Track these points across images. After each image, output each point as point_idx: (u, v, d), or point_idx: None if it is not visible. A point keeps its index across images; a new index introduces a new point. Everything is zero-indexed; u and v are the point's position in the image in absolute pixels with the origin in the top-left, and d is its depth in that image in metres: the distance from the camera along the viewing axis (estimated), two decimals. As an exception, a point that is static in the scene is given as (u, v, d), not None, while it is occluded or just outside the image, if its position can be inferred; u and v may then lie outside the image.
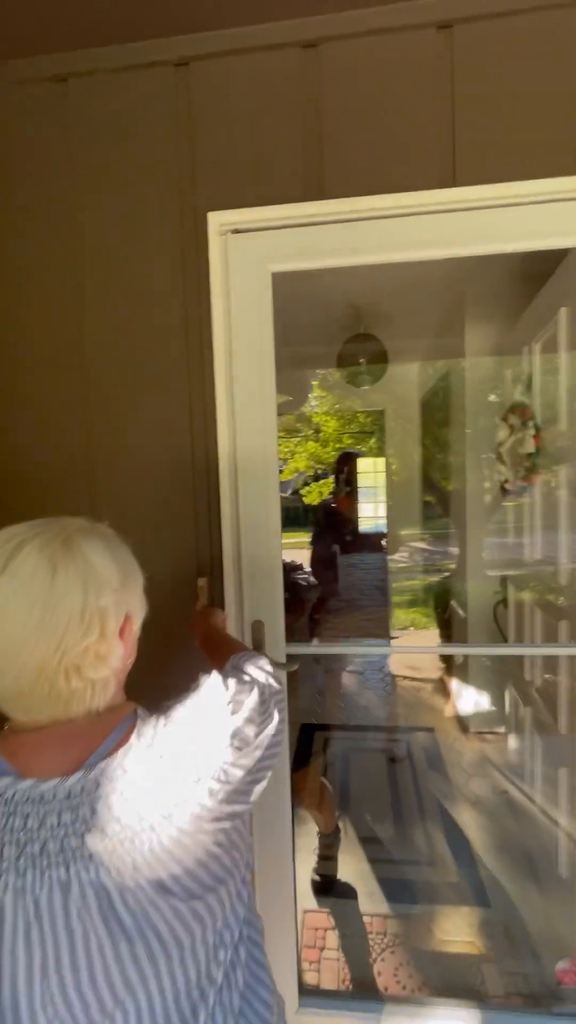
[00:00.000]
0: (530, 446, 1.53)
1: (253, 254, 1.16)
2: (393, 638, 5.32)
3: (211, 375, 1.19)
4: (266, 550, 1.19)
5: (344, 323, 2.81)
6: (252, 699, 0.65)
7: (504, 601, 2.19)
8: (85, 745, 0.57)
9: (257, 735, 0.63)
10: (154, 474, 1.23)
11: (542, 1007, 1.43)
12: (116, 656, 0.59)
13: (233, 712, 0.62)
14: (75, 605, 0.54)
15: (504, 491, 1.82)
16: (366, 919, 1.78)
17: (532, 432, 1.53)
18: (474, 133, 1.10)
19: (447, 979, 1.55)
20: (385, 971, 1.59)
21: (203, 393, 1.20)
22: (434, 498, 6.62)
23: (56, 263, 1.23)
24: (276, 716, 0.68)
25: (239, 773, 0.60)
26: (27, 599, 0.53)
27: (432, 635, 5.24)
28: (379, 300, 2.68)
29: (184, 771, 0.56)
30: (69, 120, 1.20)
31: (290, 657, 1.21)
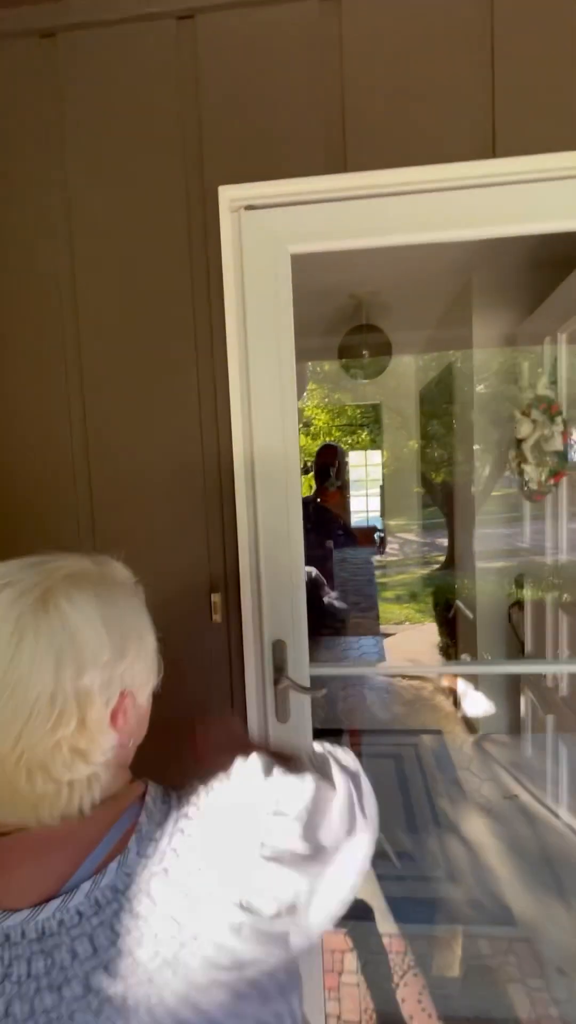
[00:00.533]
0: (558, 443, 1.44)
1: (269, 233, 1.04)
2: (389, 634, 5.26)
3: (223, 369, 1.08)
4: (287, 561, 1.08)
5: (345, 313, 2.69)
6: (332, 804, 0.48)
7: (519, 603, 2.12)
8: (69, 856, 0.44)
9: (322, 855, 0.45)
10: (160, 478, 1.11)
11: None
12: (103, 748, 0.45)
13: (282, 815, 0.46)
14: (43, 687, 0.41)
15: (525, 491, 1.72)
16: (385, 939, 1.70)
17: (560, 428, 1.44)
18: (516, 98, 0.99)
19: (474, 1004, 1.48)
20: (409, 997, 1.51)
21: (214, 389, 1.08)
22: (430, 492, 6.58)
23: (42, 240, 1.09)
24: (360, 832, 0.50)
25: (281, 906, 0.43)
26: None
27: (429, 630, 5.20)
28: (381, 289, 2.57)
29: (197, 895, 0.42)
30: (59, 80, 1.06)
31: (314, 681, 1.10)
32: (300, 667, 1.10)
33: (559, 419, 1.44)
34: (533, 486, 1.59)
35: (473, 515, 2.54)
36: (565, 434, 1.44)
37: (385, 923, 1.74)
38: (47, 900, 0.41)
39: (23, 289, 1.10)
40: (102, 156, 1.07)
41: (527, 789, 2.37)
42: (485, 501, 2.53)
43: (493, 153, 1.00)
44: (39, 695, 0.40)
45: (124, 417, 1.11)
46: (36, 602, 0.42)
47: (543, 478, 1.49)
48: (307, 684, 1.09)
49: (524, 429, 1.53)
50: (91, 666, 0.43)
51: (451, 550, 6.45)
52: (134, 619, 0.49)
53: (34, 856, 0.44)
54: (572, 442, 1.43)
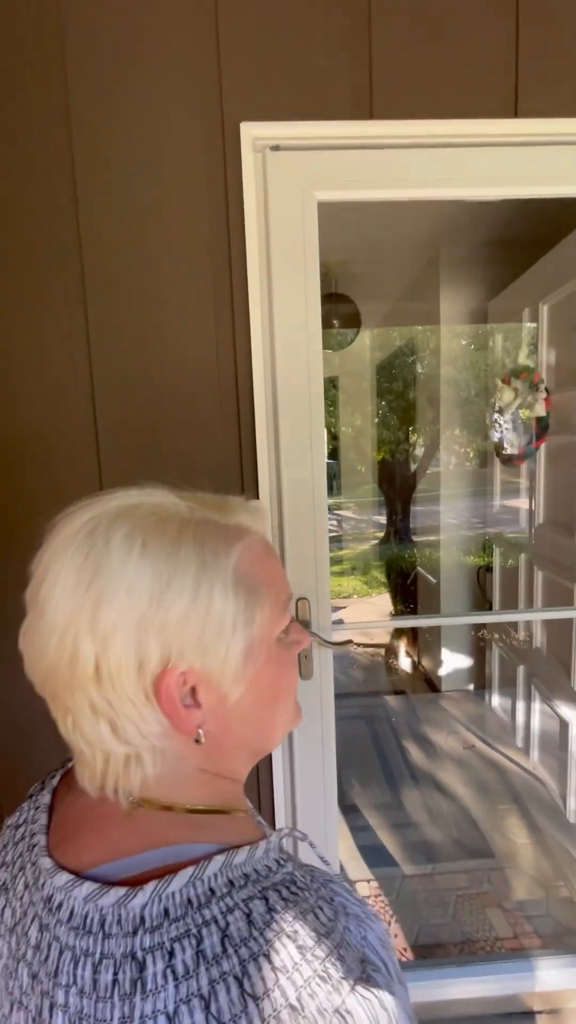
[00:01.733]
0: (540, 410, 1.53)
1: (296, 177, 1.01)
2: (340, 607, 5.42)
3: (245, 320, 1.03)
4: (311, 515, 1.08)
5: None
6: None
7: (489, 566, 2.25)
8: (102, 845, 0.37)
9: None
10: (175, 428, 1.06)
11: (561, 946, 1.52)
12: (136, 724, 0.35)
13: None
14: (63, 608, 0.34)
15: (502, 456, 1.82)
16: (374, 884, 1.79)
17: (544, 395, 1.53)
18: (539, 60, 1.01)
19: (460, 928, 1.60)
20: (399, 933, 1.61)
21: (232, 336, 1.04)
22: (385, 469, 6.76)
23: (44, 176, 0.98)
24: None
25: None
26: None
27: (378, 601, 5.40)
28: (348, 259, 2.57)
29: None
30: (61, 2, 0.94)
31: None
32: (324, 625, 1.10)
33: (542, 386, 1.54)
34: (513, 451, 1.68)
35: (437, 489, 2.64)
36: (548, 400, 1.53)
37: (361, 870, 1.83)
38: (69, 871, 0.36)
39: (27, 223, 0.99)
40: (107, 79, 0.97)
41: (482, 739, 2.56)
42: (423, 474, 2.64)
43: (515, 113, 1.02)
44: (55, 625, 0.34)
45: (135, 368, 1.04)
46: (77, 530, 0.36)
47: (526, 442, 1.59)
48: (332, 640, 1.10)
49: (506, 397, 1.61)
50: (111, 600, 0.34)
51: (391, 525, 6.72)
52: (196, 568, 0.36)
53: (78, 824, 0.39)
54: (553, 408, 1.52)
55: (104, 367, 1.03)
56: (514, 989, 1.34)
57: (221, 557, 0.37)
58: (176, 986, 0.30)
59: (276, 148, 1.00)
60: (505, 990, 1.33)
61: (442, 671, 3.01)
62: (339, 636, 1.14)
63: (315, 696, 1.13)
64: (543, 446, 1.56)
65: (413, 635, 3.68)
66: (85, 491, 0.41)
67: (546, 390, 1.54)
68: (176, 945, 0.31)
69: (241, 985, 0.30)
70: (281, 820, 1.20)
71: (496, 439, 1.82)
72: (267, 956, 0.31)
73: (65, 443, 1.05)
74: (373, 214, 2.17)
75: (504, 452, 1.78)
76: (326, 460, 1.08)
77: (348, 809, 2.13)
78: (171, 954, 0.31)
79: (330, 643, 1.09)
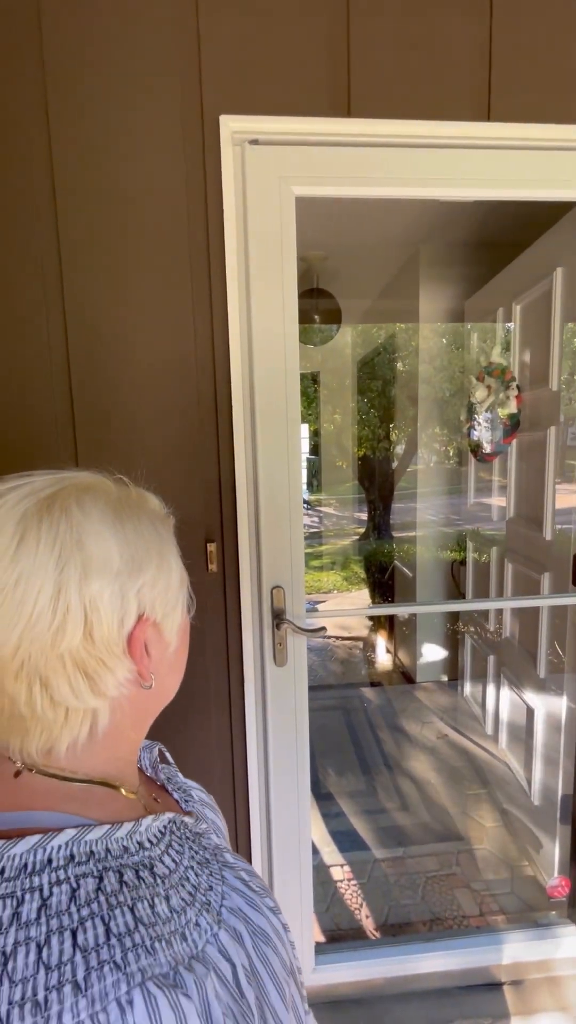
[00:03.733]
0: (512, 407, 1.58)
1: (274, 172, 1.02)
2: (319, 602, 5.47)
3: (223, 312, 1.05)
4: (287, 504, 1.10)
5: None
6: None
7: (463, 560, 2.31)
8: None
9: None
10: (154, 421, 1.07)
11: (525, 921, 1.58)
12: (116, 678, 0.40)
13: None
14: (44, 587, 0.36)
15: (476, 453, 1.87)
16: (346, 868, 1.83)
17: (515, 393, 1.58)
18: (511, 67, 1.04)
19: (429, 908, 1.66)
20: (372, 913, 1.66)
21: (211, 328, 1.05)
22: (365, 466, 6.81)
23: (18, 166, 0.98)
24: None
25: None
26: None
27: (357, 596, 5.46)
28: (330, 255, 2.59)
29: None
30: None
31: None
32: (299, 612, 1.13)
33: (514, 384, 1.58)
34: (487, 448, 1.74)
35: (416, 486, 2.69)
36: (519, 398, 1.58)
37: (337, 855, 1.88)
38: None
39: (2, 215, 0.98)
40: (85, 62, 0.97)
41: (454, 728, 2.63)
42: (403, 471, 2.69)
43: (488, 117, 1.05)
44: (39, 595, 0.36)
45: (111, 353, 1.04)
46: (42, 502, 0.38)
47: (498, 439, 1.64)
48: (305, 627, 1.13)
49: (479, 394, 1.65)
50: (99, 572, 0.38)
51: (371, 521, 6.79)
52: (153, 538, 0.42)
53: None
54: (523, 405, 1.57)
55: (81, 356, 1.03)
56: (480, 963, 1.39)
57: (163, 530, 0.45)
58: None
59: (255, 142, 1.01)
60: (471, 963, 1.38)
61: (417, 663, 3.07)
62: (314, 623, 1.16)
63: (289, 683, 1.15)
64: (514, 442, 1.61)
65: (390, 628, 3.74)
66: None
67: (518, 387, 1.59)
68: (0, 902, 0.33)
69: (40, 952, 0.31)
70: (255, 807, 1.23)
71: (471, 436, 1.86)
72: (73, 932, 0.32)
73: (41, 432, 1.05)
74: (355, 211, 2.19)
75: (479, 449, 1.83)
76: (305, 455, 1.10)
77: (323, 797, 2.17)
78: None
79: (304, 630, 1.12)
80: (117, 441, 1.06)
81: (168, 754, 0.60)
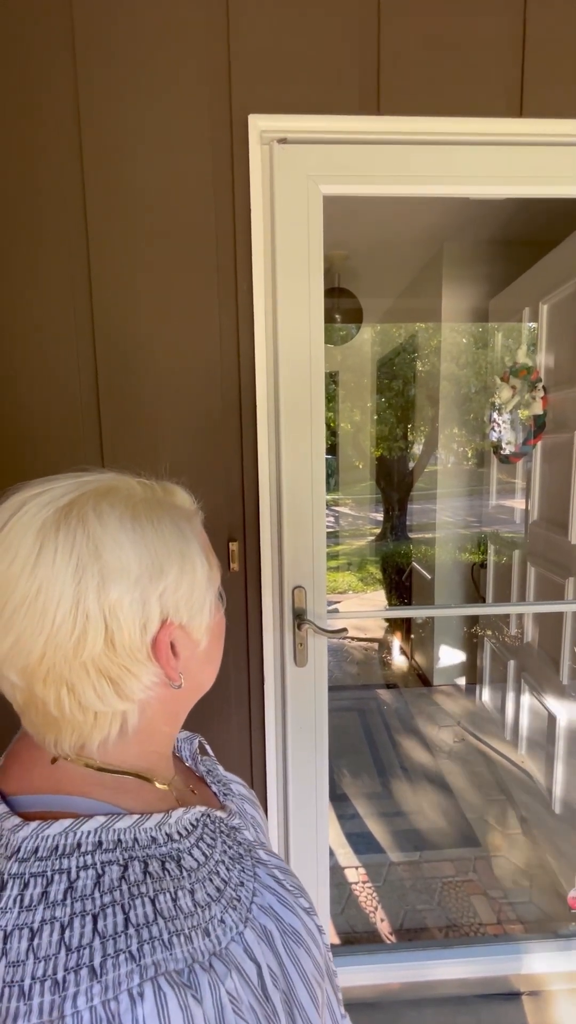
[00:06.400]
0: (538, 408, 1.55)
1: (302, 171, 1.02)
2: (336, 602, 5.45)
3: (249, 312, 1.05)
4: (310, 504, 1.10)
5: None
6: None
7: (483, 563, 2.28)
8: (24, 780, 0.41)
9: None
10: (177, 420, 1.07)
11: (544, 931, 1.55)
12: (142, 682, 0.40)
13: None
14: (63, 597, 0.36)
15: (499, 454, 1.84)
16: (361, 871, 1.82)
17: (541, 394, 1.55)
18: (545, 61, 1.02)
19: (446, 915, 1.64)
20: (387, 918, 1.64)
21: (236, 328, 1.05)
22: (383, 467, 6.78)
23: (50, 159, 0.99)
24: None
25: None
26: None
27: (372, 597, 5.43)
28: (351, 254, 2.58)
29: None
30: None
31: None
32: (321, 612, 1.12)
33: (540, 385, 1.56)
34: (510, 449, 1.71)
35: (435, 487, 2.66)
36: (545, 399, 1.55)
37: (352, 857, 1.87)
38: None
39: (34, 215, 1.00)
40: (116, 62, 0.97)
41: (472, 732, 2.60)
42: (421, 472, 2.66)
43: (520, 112, 1.03)
44: (59, 606, 0.36)
45: (137, 351, 1.05)
46: (60, 511, 0.38)
47: (522, 440, 1.61)
48: (326, 628, 1.13)
49: (504, 394, 1.63)
50: (117, 580, 0.38)
51: (387, 522, 6.74)
52: (175, 539, 0.42)
53: (13, 760, 0.43)
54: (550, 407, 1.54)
55: (108, 355, 1.04)
56: (498, 972, 1.38)
57: (187, 528, 0.43)
58: (19, 913, 0.33)
59: (283, 141, 1.01)
60: (489, 972, 1.37)
61: (434, 666, 3.04)
62: (334, 624, 1.16)
63: (309, 683, 1.15)
64: (539, 444, 1.59)
65: (407, 630, 3.72)
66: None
67: (544, 389, 1.56)
68: (32, 880, 0.34)
69: (63, 933, 0.32)
70: (272, 807, 1.23)
71: (494, 437, 1.84)
72: (94, 917, 0.33)
73: (69, 431, 1.06)
74: (377, 209, 2.18)
75: (501, 451, 1.80)
76: (325, 453, 1.09)
77: (339, 798, 2.16)
78: (26, 885, 0.34)
79: (325, 631, 1.11)
80: (141, 436, 1.07)
81: (208, 747, 0.61)
